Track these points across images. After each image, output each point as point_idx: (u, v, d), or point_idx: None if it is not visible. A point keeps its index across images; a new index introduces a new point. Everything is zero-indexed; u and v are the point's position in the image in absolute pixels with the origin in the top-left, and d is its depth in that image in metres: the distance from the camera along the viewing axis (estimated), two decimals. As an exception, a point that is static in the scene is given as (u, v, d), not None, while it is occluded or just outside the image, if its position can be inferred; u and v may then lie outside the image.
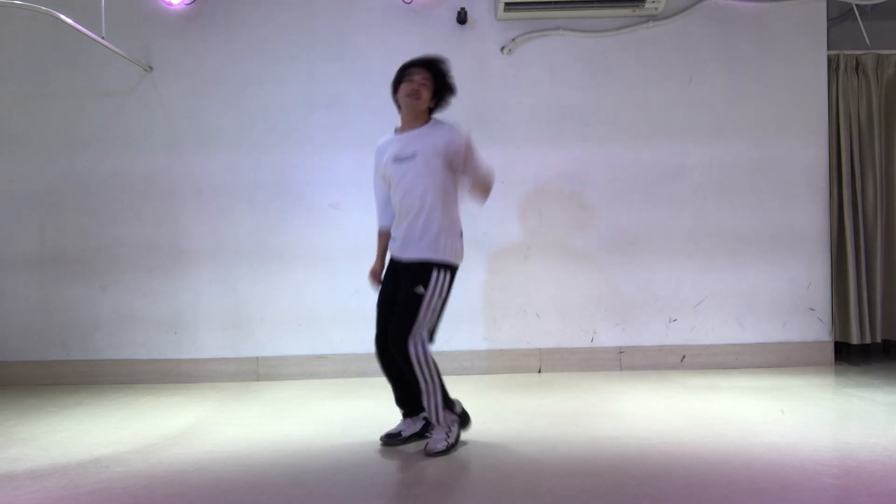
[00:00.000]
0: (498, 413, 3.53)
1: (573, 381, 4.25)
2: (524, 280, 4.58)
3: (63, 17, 3.72)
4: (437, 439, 2.95)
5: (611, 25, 4.60)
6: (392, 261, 3.10)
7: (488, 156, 4.48)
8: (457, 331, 4.52)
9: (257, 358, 4.55)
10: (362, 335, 4.54)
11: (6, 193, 4.57)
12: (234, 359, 4.55)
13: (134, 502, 2.44)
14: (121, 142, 4.57)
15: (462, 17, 4.53)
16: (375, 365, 4.50)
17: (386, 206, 3.15)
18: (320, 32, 4.58)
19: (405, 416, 3.14)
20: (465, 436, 3.11)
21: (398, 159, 3.01)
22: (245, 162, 4.57)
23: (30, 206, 4.57)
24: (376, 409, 3.69)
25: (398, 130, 3.10)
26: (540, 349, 4.57)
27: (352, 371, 4.53)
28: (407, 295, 2.91)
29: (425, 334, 2.94)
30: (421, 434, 3.11)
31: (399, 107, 3.08)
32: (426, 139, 2.98)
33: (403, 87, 3.00)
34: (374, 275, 3.19)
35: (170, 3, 4.47)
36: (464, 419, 3.10)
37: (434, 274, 2.92)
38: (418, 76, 3.00)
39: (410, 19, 4.58)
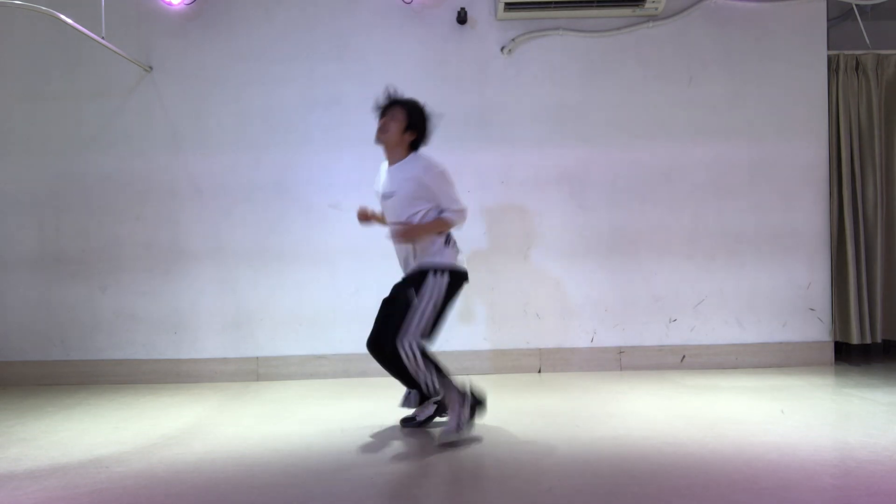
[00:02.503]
0: (498, 413, 3.53)
1: (573, 381, 4.25)
2: (524, 280, 4.58)
3: (63, 17, 3.72)
4: (449, 430, 3.03)
5: (611, 25, 4.60)
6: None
7: (488, 156, 4.55)
8: (457, 331, 4.52)
9: (257, 358, 4.55)
10: (362, 335, 4.50)
11: (6, 193, 4.58)
12: (234, 359, 4.55)
13: (134, 502, 2.43)
14: (121, 142, 4.57)
15: (462, 17, 4.53)
16: (376, 365, 4.49)
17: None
18: (320, 32, 4.58)
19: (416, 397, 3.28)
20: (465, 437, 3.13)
21: (383, 196, 3.26)
22: (245, 162, 4.57)
23: (30, 206, 4.57)
24: (376, 409, 3.69)
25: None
26: (540, 349, 4.57)
27: (352, 371, 4.53)
28: (402, 298, 3.12)
29: (418, 341, 3.05)
30: (434, 416, 3.29)
31: None
32: (402, 176, 3.17)
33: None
34: (365, 213, 3.40)
35: (170, 3, 4.47)
36: (477, 403, 3.15)
37: (430, 277, 3.11)
38: (388, 112, 3.20)
39: (410, 19, 4.58)
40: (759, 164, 4.61)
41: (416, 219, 3.13)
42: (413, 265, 3.20)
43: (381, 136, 3.19)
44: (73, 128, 4.57)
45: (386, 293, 3.30)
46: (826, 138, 4.63)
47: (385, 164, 3.31)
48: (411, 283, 3.13)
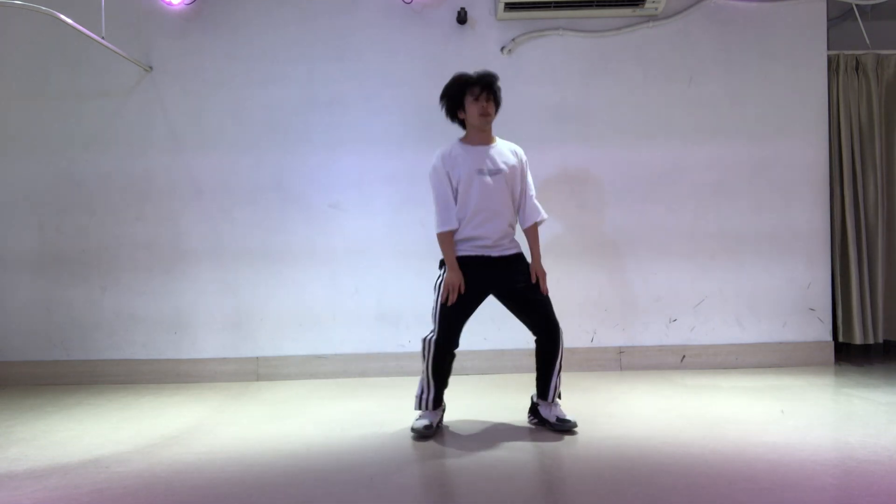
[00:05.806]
0: (498, 413, 3.53)
1: (573, 381, 4.24)
2: (524, 280, 4.58)
3: (63, 17, 3.72)
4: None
5: (611, 25, 4.60)
6: (477, 260, 3.21)
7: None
8: (457, 331, 4.51)
9: (257, 358, 4.55)
10: (362, 335, 4.55)
11: (6, 193, 4.57)
12: (234, 359, 4.55)
13: (134, 502, 2.44)
14: (121, 142, 4.57)
15: (462, 17, 4.53)
16: (375, 364, 4.56)
17: (452, 208, 3.22)
18: (320, 32, 4.58)
19: (438, 407, 3.25)
20: (465, 435, 3.14)
21: (483, 171, 3.20)
22: (245, 162, 4.57)
23: (30, 206, 4.57)
24: (376, 409, 3.69)
25: (467, 142, 3.27)
26: (540, 349, 4.56)
27: (352, 371, 4.53)
28: (535, 287, 3.29)
29: None
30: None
31: (457, 120, 3.32)
32: (507, 156, 3.27)
33: (475, 107, 3.20)
34: (457, 285, 3.15)
35: (170, 3, 4.47)
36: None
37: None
38: (484, 95, 3.21)
39: (410, 19, 4.58)
40: (759, 164, 4.61)
41: (512, 196, 3.27)
42: (509, 245, 3.28)
43: (487, 119, 3.22)
44: (73, 128, 4.57)
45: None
46: (826, 138, 4.63)
47: (456, 147, 3.24)
48: (527, 273, 3.29)
